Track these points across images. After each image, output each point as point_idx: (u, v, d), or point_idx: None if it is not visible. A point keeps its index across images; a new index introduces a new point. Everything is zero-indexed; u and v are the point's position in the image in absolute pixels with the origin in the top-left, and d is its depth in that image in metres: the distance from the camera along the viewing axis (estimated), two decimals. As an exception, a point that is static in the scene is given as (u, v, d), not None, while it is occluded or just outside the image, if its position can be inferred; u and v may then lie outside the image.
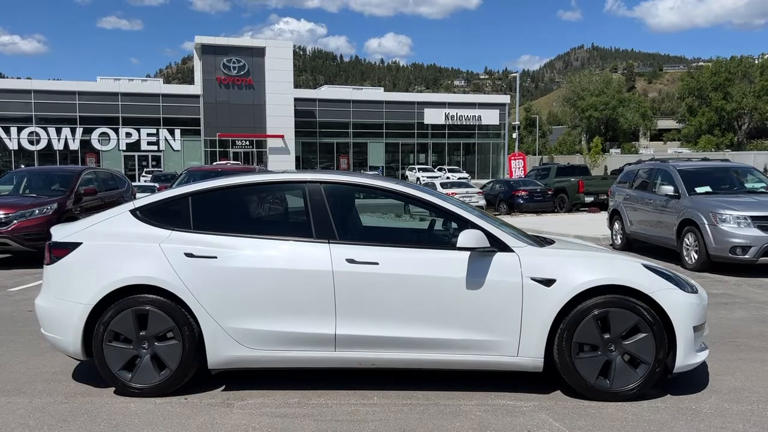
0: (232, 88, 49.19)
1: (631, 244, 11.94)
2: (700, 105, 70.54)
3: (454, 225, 4.54)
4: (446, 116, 56.71)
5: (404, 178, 47.85)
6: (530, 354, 4.20)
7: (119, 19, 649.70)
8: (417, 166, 51.29)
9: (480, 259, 4.22)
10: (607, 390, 4.20)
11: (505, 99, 61.64)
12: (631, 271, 4.28)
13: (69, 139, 47.12)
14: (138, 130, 48.45)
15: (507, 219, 14.47)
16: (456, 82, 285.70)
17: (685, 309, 4.20)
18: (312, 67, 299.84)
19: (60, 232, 4.59)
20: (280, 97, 49.62)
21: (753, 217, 8.99)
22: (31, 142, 46.47)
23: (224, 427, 3.82)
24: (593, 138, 57.17)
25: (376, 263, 4.21)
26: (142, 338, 4.28)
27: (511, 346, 4.20)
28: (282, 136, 50.14)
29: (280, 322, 4.23)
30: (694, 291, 4.39)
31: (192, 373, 4.35)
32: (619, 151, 70.47)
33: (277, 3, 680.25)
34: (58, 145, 46.90)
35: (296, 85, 55.57)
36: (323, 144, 54.10)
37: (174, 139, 49.44)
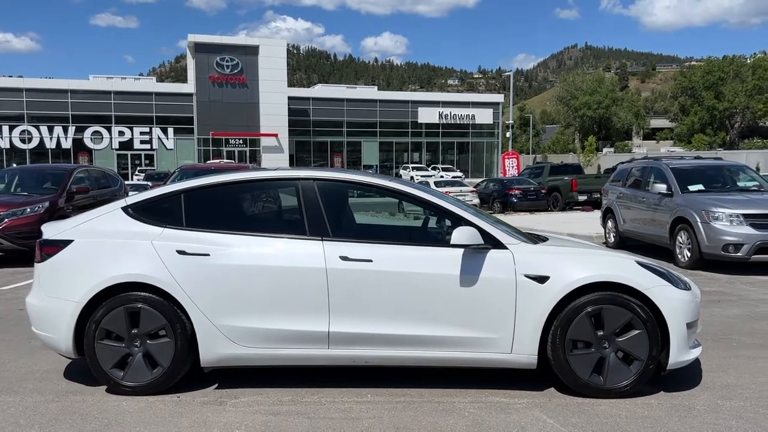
0: (226, 86, 48.99)
1: (624, 242, 11.95)
2: (693, 104, 70.87)
3: (448, 222, 4.53)
4: (440, 115, 56.69)
5: (398, 176, 47.82)
6: (524, 351, 4.19)
7: (113, 16, 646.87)
8: (411, 165, 51.23)
9: (474, 256, 4.21)
10: (601, 387, 4.20)
11: (498, 98, 61.61)
12: (625, 268, 4.28)
13: (61, 137, 46.82)
14: (131, 129, 48.18)
15: (501, 217, 14.44)
16: (450, 81, 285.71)
17: (679, 306, 4.21)
18: (306, 65, 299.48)
19: (51, 230, 4.55)
20: (274, 96, 49.46)
21: (745, 215, 9.02)
22: (23, 141, 46.16)
23: (217, 425, 3.80)
24: (587, 137, 57.33)
25: (370, 260, 4.20)
26: (134, 336, 4.25)
27: (505, 343, 4.19)
28: (276, 135, 49.99)
29: (273, 320, 4.21)
30: (688, 288, 4.40)
31: (184, 371, 4.32)
32: (612, 150, 70.68)
33: (274, 0, 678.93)
34: (50, 144, 46.61)
35: (290, 84, 55.40)
36: (317, 143, 54.01)
37: (167, 138, 49.20)
